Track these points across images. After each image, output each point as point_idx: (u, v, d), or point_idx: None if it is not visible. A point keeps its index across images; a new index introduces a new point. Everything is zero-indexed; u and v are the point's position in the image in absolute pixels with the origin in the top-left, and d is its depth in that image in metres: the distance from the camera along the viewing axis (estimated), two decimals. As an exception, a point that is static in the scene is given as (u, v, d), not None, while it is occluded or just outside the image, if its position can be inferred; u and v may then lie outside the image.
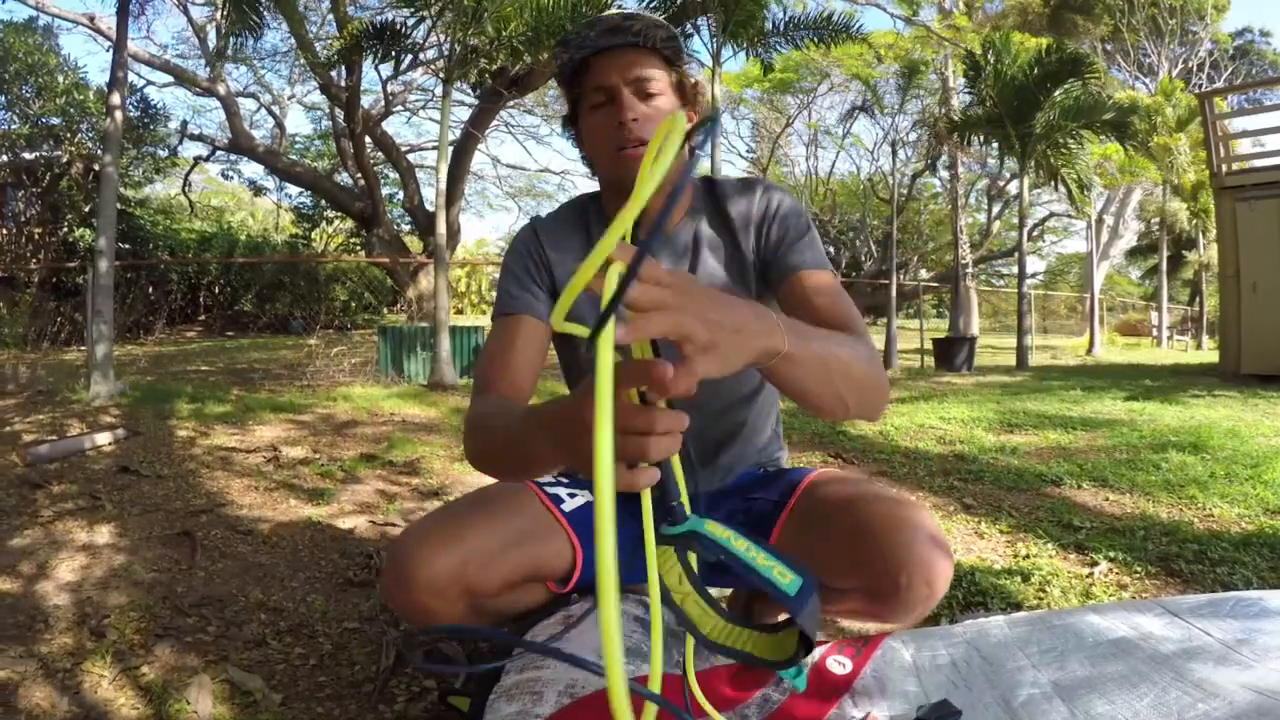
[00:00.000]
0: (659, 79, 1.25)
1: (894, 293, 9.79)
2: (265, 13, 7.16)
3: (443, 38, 6.79)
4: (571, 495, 1.37)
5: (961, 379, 8.07)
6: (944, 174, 21.79)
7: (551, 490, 1.37)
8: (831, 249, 33.17)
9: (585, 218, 1.40)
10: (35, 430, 4.23)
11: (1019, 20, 22.38)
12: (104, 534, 2.44)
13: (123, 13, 5.87)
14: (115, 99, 5.62)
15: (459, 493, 3.00)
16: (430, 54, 9.70)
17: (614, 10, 1.29)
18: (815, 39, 8.52)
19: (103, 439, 3.74)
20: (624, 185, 1.27)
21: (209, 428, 4.30)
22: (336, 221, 22.82)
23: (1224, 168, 9.21)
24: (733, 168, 33.00)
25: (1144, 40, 22.44)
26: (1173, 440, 3.79)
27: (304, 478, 3.21)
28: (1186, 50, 23.08)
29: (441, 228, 6.48)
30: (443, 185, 6.53)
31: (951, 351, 9.80)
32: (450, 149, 13.79)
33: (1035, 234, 27.60)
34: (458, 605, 1.19)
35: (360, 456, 3.59)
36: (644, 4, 8.83)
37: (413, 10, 6.55)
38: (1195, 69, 22.93)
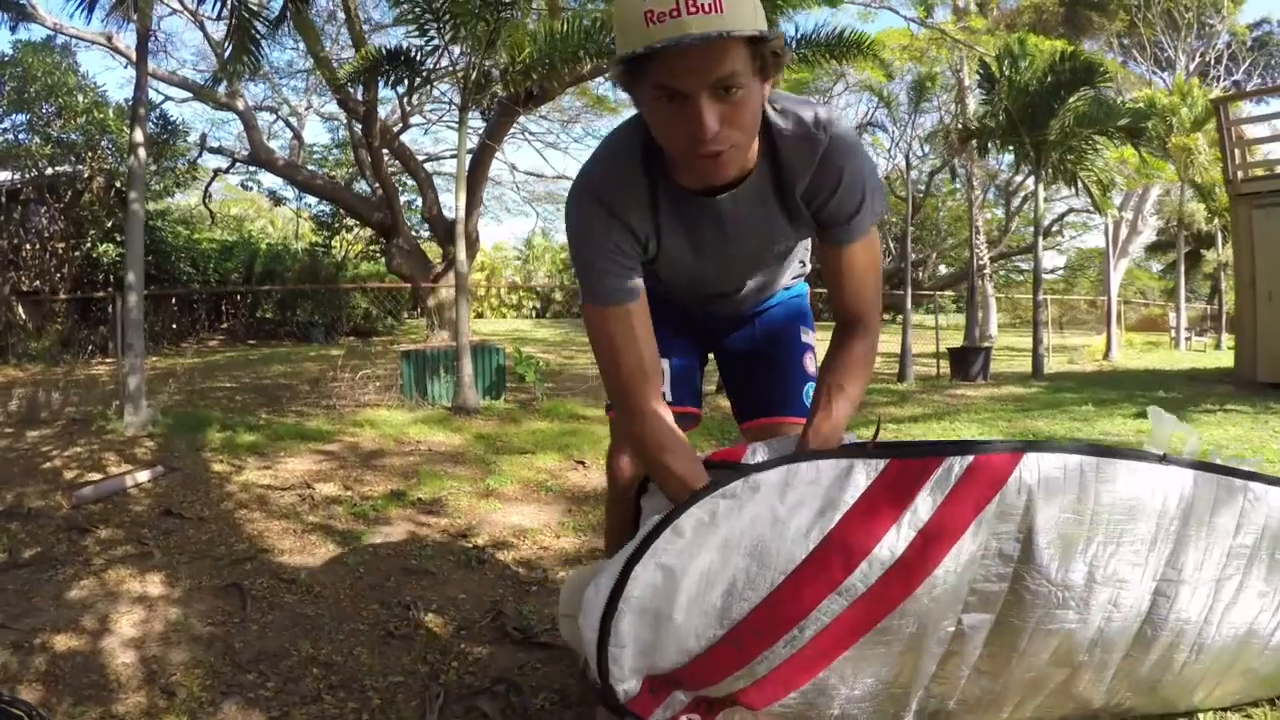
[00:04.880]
0: (742, 70, 1.10)
1: (908, 304, 9.84)
2: (265, 51, 7.27)
3: (457, 51, 6.88)
4: None
5: (976, 390, 8.15)
6: (961, 171, 21.76)
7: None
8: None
9: (650, 174, 1.31)
10: (74, 464, 4.41)
11: (1034, 17, 22.30)
12: (156, 584, 2.59)
13: (141, 48, 6.01)
14: (138, 135, 5.68)
15: (486, 533, 3.15)
16: (444, 62, 9.86)
17: None
18: (829, 56, 8.58)
19: (143, 477, 3.91)
20: (694, 175, 1.25)
21: (242, 460, 4.45)
22: (356, 229, 23.08)
23: (1239, 174, 9.21)
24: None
25: (1160, 34, 22.30)
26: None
27: (337, 518, 3.36)
28: (1203, 44, 22.92)
29: (462, 254, 6.61)
30: (462, 212, 6.67)
31: (967, 361, 9.85)
32: (468, 161, 13.94)
33: (1054, 229, 27.49)
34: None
35: (389, 494, 3.73)
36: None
37: (426, 40, 6.70)
38: (1213, 62, 22.78)
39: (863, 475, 1.31)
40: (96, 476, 4.04)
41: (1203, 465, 1.44)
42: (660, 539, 1.30)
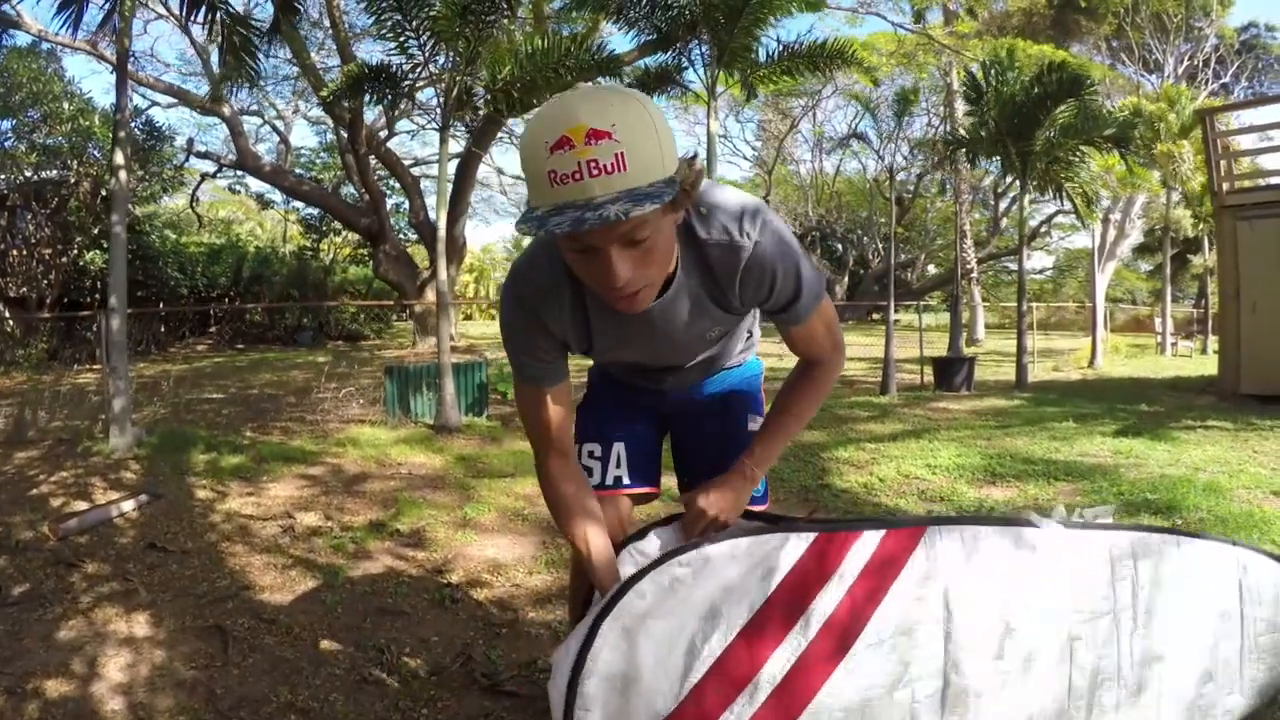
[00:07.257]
0: (651, 220, 1.09)
1: (891, 314, 9.89)
2: (262, 60, 7.22)
3: (441, 60, 6.89)
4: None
5: (958, 403, 8.22)
6: (948, 181, 21.87)
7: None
8: (839, 246, 33.38)
9: (574, 281, 1.31)
10: (61, 491, 4.46)
11: (1023, 20, 22.43)
12: (141, 624, 2.65)
13: (121, 70, 6.01)
14: (119, 158, 5.66)
15: (461, 568, 3.21)
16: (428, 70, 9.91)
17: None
18: (811, 67, 8.65)
19: (127, 507, 3.95)
20: (613, 307, 1.23)
21: (225, 486, 4.51)
22: (344, 232, 23.09)
23: (1224, 186, 9.29)
24: (738, 169, 33.16)
25: (1149, 38, 22.45)
26: (1149, 499, 3.92)
27: (318, 551, 3.42)
28: (1192, 47, 23.08)
29: (443, 272, 6.64)
30: (443, 229, 6.68)
31: (950, 371, 9.91)
32: (454, 169, 13.99)
33: (1043, 230, 27.63)
34: None
35: (369, 525, 3.79)
36: (632, 34, 9.00)
37: (407, 58, 6.73)
38: (1201, 65, 22.95)
39: (796, 546, 1.46)
40: (83, 505, 4.09)
41: (1087, 525, 1.66)
42: (623, 601, 1.40)
